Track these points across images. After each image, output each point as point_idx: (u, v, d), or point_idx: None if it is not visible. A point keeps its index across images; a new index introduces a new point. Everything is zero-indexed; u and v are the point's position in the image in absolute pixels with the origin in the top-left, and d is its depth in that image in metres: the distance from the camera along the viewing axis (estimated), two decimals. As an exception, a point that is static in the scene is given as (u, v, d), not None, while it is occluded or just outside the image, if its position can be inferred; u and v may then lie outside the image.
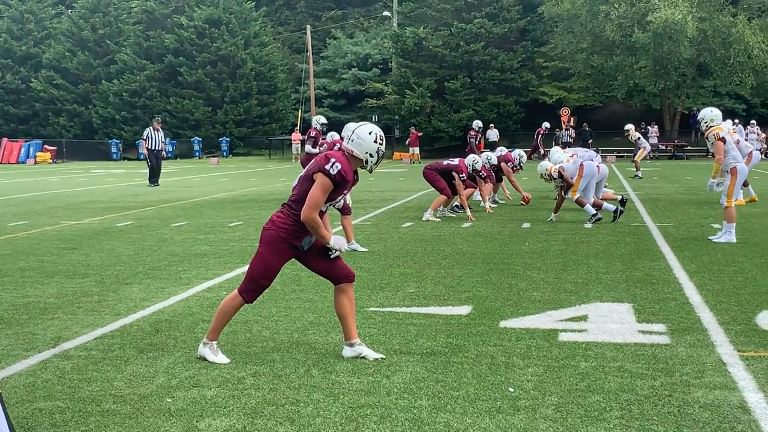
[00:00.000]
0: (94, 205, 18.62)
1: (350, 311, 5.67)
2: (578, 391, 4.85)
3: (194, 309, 7.33)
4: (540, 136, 35.07)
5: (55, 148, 54.41)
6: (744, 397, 4.71)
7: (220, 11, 56.59)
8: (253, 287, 5.57)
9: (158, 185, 26.11)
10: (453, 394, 4.82)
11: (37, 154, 52.70)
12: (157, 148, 26.83)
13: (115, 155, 53.68)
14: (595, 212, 13.46)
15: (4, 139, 55.55)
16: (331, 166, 5.37)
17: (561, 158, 14.57)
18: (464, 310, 7.11)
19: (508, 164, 17.06)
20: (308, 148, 16.21)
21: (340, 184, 5.42)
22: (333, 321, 6.48)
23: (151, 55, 57.48)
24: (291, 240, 5.50)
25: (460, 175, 14.34)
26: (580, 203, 13.65)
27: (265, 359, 5.64)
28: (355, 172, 5.66)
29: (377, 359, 5.56)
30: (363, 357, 5.59)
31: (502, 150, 17.98)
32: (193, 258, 10.44)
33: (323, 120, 16.79)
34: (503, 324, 6.55)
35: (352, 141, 5.53)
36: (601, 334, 6.17)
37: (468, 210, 14.46)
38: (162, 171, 27.42)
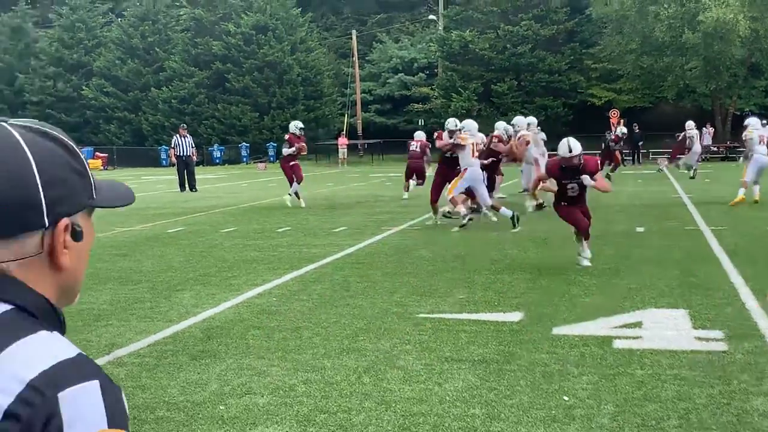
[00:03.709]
0: (145, 212, 18.83)
1: None
2: (634, 400, 4.77)
3: (245, 315, 7.36)
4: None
5: (106, 155, 55.19)
6: (807, 407, 4.59)
7: (267, 17, 56.99)
8: None
9: (197, 191, 26.27)
10: (506, 403, 4.77)
11: (88, 161, 52.67)
12: (186, 155, 27.05)
13: (164, 161, 54.23)
14: (511, 213, 13.42)
15: (57, 147, 56.43)
16: None
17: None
18: (515, 316, 7.03)
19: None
20: (285, 150, 18.81)
21: None
22: (382, 327, 6.46)
23: (199, 62, 58.06)
24: None
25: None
26: (454, 202, 13.66)
27: (316, 366, 5.63)
28: None
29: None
30: None
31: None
32: (242, 264, 10.48)
33: (300, 125, 19.79)
34: (556, 331, 6.47)
35: None
36: (656, 341, 6.07)
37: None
38: (210, 177, 27.60)
